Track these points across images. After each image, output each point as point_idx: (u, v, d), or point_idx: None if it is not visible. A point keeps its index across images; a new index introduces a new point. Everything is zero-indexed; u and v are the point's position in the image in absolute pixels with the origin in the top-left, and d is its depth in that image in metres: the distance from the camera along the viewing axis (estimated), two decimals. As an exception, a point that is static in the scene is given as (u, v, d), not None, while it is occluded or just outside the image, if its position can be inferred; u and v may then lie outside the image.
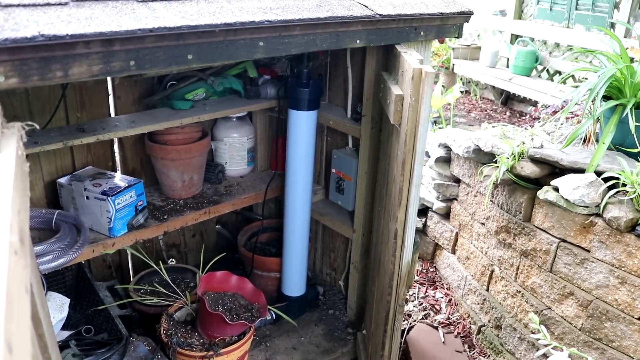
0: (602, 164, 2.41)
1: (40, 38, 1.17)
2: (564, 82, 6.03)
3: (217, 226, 3.39)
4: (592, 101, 2.53)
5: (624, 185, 2.26)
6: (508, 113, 7.35)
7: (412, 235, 2.11)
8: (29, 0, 1.29)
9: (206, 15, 1.48)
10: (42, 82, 1.24)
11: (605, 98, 2.60)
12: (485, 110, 7.50)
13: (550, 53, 6.81)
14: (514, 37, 7.27)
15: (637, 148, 2.42)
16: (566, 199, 2.39)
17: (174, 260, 3.07)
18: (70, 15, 1.28)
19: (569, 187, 2.37)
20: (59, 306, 2.33)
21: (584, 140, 2.69)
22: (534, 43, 6.89)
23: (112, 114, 2.59)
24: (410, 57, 1.87)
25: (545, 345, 1.35)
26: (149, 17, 1.38)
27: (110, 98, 2.59)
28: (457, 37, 2.34)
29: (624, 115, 2.43)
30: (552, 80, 6.68)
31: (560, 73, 6.58)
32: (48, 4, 1.30)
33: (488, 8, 8.07)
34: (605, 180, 2.33)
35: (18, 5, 1.26)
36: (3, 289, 0.67)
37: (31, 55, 1.20)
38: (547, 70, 6.84)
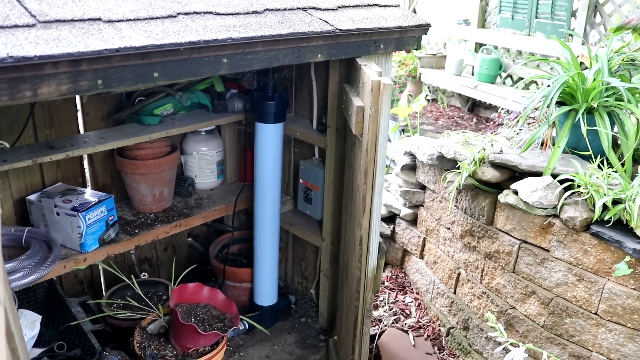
0: (558, 167, 2.52)
1: (9, 60, 1.21)
2: (527, 88, 6.19)
3: (189, 239, 3.42)
4: (547, 107, 2.64)
5: (579, 186, 2.36)
6: (475, 120, 7.51)
7: (377, 241, 2.18)
8: (-3, 23, 1.33)
9: (171, 34, 1.53)
10: (12, 101, 1.28)
11: (560, 104, 2.71)
12: (453, 118, 7.65)
13: (513, 60, 6.99)
14: (478, 46, 7.45)
15: (590, 151, 2.53)
16: (525, 202, 2.49)
17: (146, 274, 3.09)
18: (38, 37, 1.32)
19: (527, 190, 2.47)
20: (30, 323, 2.33)
21: (542, 145, 2.80)
22: (497, 51, 7.06)
23: (82, 131, 2.62)
24: (369, 70, 1.95)
25: (501, 343, 1.43)
26: (115, 37, 1.43)
27: (79, 115, 2.62)
28: (417, 49, 2.42)
29: (576, 119, 2.54)
30: (516, 86, 6.83)
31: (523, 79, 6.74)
32: (16, 26, 1.34)
33: (453, 17, 8.25)
34: (561, 182, 2.43)
35: (-14, 29, 1.30)
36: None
37: (0, 76, 1.24)
38: (511, 77, 7.02)
